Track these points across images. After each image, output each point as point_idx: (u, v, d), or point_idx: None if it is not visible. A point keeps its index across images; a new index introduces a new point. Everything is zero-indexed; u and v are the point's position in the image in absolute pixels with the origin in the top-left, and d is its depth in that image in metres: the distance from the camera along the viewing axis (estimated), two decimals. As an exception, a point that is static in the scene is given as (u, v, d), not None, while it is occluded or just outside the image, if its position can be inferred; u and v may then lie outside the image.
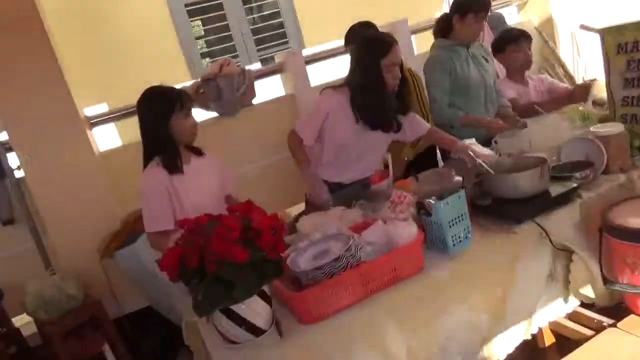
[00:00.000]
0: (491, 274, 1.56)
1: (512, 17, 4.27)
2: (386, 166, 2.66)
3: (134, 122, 3.18)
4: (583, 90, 2.57)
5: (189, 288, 1.30)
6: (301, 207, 2.91)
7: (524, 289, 1.60)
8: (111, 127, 3.42)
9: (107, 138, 3.36)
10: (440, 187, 1.74)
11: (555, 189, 1.70)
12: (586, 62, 4.04)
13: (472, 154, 1.90)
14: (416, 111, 2.59)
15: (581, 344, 1.64)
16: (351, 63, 2.13)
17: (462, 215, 1.57)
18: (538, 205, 1.65)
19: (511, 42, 2.76)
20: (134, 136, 2.85)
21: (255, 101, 3.31)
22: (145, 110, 1.92)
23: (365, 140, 2.17)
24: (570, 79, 3.83)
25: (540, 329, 1.68)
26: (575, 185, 1.70)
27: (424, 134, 2.27)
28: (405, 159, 2.59)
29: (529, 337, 1.63)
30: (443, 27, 2.64)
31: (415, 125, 2.26)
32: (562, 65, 3.87)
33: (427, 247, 1.57)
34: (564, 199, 1.69)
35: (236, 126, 3.16)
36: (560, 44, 4.08)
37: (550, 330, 1.79)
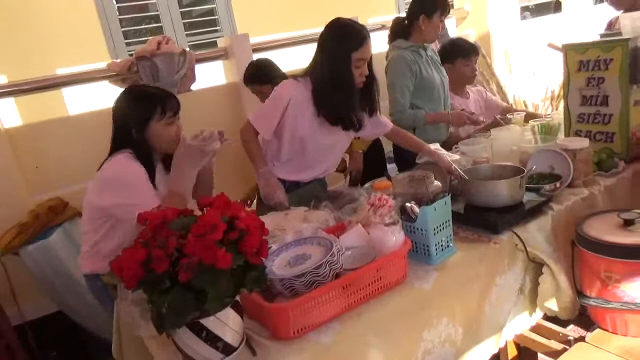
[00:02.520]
0: (470, 286, 1.50)
1: (451, 30, 4.38)
2: (344, 168, 2.56)
3: (41, 98, 2.78)
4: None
5: (150, 298, 1.06)
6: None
7: (498, 302, 1.57)
8: (10, 102, 2.94)
9: (5, 114, 2.87)
10: (415, 191, 1.65)
11: (528, 200, 1.68)
12: (517, 80, 4.26)
13: (444, 157, 1.84)
14: None
15: (545, 357, 1.64)
16: (317, 52, 1.95)
17: (446, 222, 1.48)
18: (515, 215, 1.61)
19: (463, 55, 2.77)
20: (42, 114, 2.46)
21: (194, 87, 3.03)
22: (121, 109, 1.71)
23: (325, 136, 2.01)
24: (503, 94, 3.99)
25: (505, 342, 1.65)
26: (548, 196, 1.69)
27: (387, 133, 2.17)
28: (360, 151, 2.49)
29: (497, 350, 1.59)
30: (401, 29, 2.59)
31: (378, 124, 2.15)
32: (497, 82, 4.03)
33: (409, 255, 1.46)
34: (537, 210, 1.67)
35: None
36: (494, 60, 4.26)
37: (514, 342, 1.77)
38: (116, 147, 1.69)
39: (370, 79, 1.97)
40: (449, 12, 2.49)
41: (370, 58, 1.93)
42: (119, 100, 1.71)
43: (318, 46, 1.95)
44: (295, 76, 2.01)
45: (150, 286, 1.03)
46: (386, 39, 2.72)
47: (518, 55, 4.26)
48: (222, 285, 1.06)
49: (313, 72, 1.95)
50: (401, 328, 1.34)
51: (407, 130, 2.26)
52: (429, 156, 1.94)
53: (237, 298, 1.16)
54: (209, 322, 1.10)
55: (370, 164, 2.69)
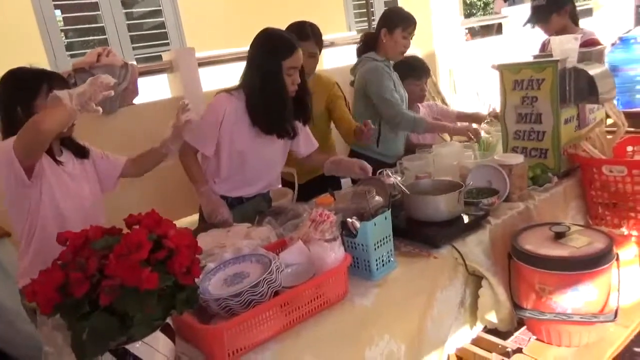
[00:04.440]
0: (412, 302, 1.50)
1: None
2: (291, 182, 2.52)
3: None
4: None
5: (68, 324, 0.99)
6: (189, 222, 2.62)
7: (439, 316, 1.58)
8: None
9: None
10: (357, 206, 1.64)
11: (467, 214, 1.71)
12: (461, 98, 4.41)
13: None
14: (347, 120, 2.52)
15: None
16: (248, 63, 1.96)
17: (387, 237, 1.48)
18: (454, 229, 1.64)
19: (414, 75, 2.83)
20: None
21: (136, 101, 2.93)
22: (4, 91, 1.59)
23: (263, 147, 2.01)
24: (448, 112, 4.11)
25: (447, 356, 1.66)
26: (486, 210, 1.74)
27: (315, 150, 2.19)
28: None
29: (439, 365, 1.60)
30: (368, 44, 2.62)
31: (308, 141, 2.17)
32: (442, 99, 4.15)
33: (350, 272, 1.44)
34: (476, 224, 1.70)
35: (113, 127, 2.74)
36: (439, 79, 4.39)
37: (456, 356, 1.79)
38: (6, 132, 1.57)
39: (303, 89, 1.98)
40: (413, 29, 2.52)
41: (302, 70, 1.95)
42: (2, 82, 1.61)
43: (248, 57, 1.95)
44: (228, 90, 1.99)
45: (68, 311, 0.96)
46: (334, 56, 2.75)
47: (462, 75, 4.42)
48: (150, 308, 1.01)
49: (245, 84, 1.95)
50: (342, 347, 1.32)
51: (399, 135, 2.35)
52: (334, 164, 2.02)
53: (169, 321, 1.11)
54: (135, 348, 1.03)
55: (324, 179, 2.66)
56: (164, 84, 3.19)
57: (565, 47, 2.06)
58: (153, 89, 3.20)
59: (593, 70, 2.03)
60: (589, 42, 2.50)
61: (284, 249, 1.46)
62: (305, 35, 2.34)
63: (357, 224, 1.46)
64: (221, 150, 1.98)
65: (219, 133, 1.93)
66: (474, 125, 2.73)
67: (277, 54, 1.86)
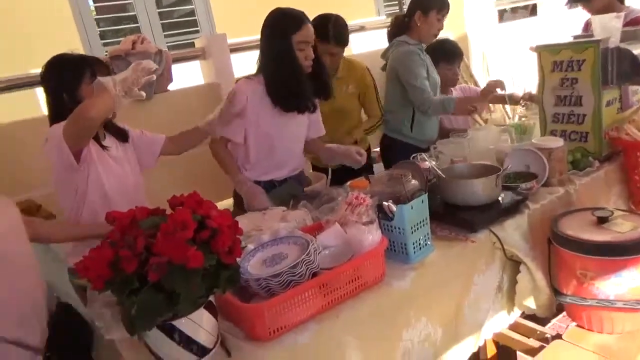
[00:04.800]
0: (449, 286, 1.50)
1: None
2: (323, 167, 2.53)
3: (11, 99, 2.71)
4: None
5: (119, 299, 1.03)
6: (225, 204, 2.66)
7: (476, 301, 1.57)
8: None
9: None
10: (393, 189, 1.64)
11: (504, 198, 1.68)
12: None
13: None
14: (374, 107, 2.52)
15: (524, 354, 1.65)
16: (261, 43, 1.97)
17: (423, 221, 1.47)
18: (492, 213, 1.61)
19: (446, 59, 2.78)
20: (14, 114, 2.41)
21: (170, 87, 2.98)
22: (50, 78, 1.64)
23: (287, 126, 2.03)
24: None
25: (484, 341, 1.65)
26: (524, 195, 1.70)
27: (320, 136, 2.21)
28: (355, 137, 2.49)
29: (476, 349, 1.59)
30: (401, 26, 2.59)
31: (318, 125, 2.20)
32: (475, 83, 4.06)
33: (386, 255, 1.45)
34: (514, 209, 1.68)
35: (149, 113, 2.79)
36: (472, 62, 4.29)
37: (493, 341, 1.78)
38: (54, 118, 1.62)
39: (319, 65, 1.99)
40: (447, 11, 2.48)
41: (316, 46, 1.96)
42: (47, 69, 1.65)
43: (260, 39, 1.97)
44: (247, 76, 2.02)
45: (118, 287, 0.99)
46: (365, 40, 2.73)
47: (495, 57, 4.31)
48: (194, 286, 1.04)
49: (261, 66, 1.98)
50: (380, 328, 1.33)
51: (432, 119, 2.36)
52: (330, 151, 2.06)
53: (211, 299, 1.14)
54: (181, 324, 1.07)
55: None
56: (196, 71, 3.22)
57: (608, 26, 1.99)
58: (186, 76, 3.24)
59: (637, 50, 1.95)
60: (635, 21, 2.40)
61: (321, 232, 1.47)
62: (324, 34, 2.33)
63: (394, 207, 1.46)
64: (248, 136, 2.01)
65: (245, 119, 1.96)
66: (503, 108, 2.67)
67: (286, 30, 1.87)
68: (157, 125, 2.79)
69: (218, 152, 2.03)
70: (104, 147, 1.65)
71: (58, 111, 1.58)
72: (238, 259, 1.26)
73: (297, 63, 1.89)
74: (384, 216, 1.47)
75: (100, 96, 1.37)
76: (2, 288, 1.20)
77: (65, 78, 1.60)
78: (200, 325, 1.10)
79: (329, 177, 2.36)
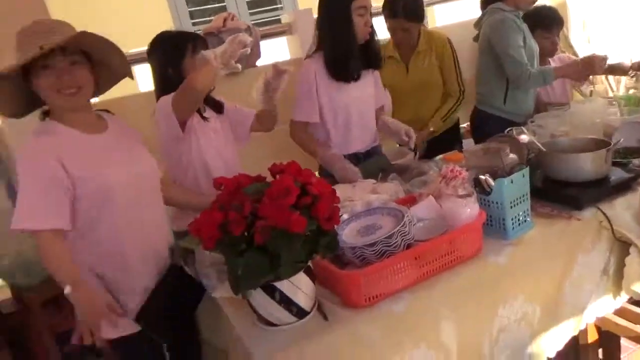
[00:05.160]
0: (550, 264, 1.42)
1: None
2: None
3: None
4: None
5: (226, 259, 1.09)
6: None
7: (579, 281, 1.48)
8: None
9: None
10: (490, 163, 1.58)
11: (614, 175, 1.56)
12: (595, 52, 3.96)
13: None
14: (452, 82, 2.44)
15: (628, 341, 1.54)
16: (319, 15, 1.96)
17: (523, 196, 1.41)
18: (600, 191, 1.51)
19: (544, 26, 2.59)
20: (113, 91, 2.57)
21: (258, 63, 3.05)
22: (155, 54, 1.75)
23: (355, 94, 2.04)
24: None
25: (586, 325, 1.56)
26: (637, 172, 1.57)
27: (385, 106, 2.22)
28: (431, 129, 2.42)
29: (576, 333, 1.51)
30: None
31: (381, 94, 2.19)
32: (573, 53, 3.77)
33: (482, 230, 1.40)
34: (625, 186, 1.55)
35: (238, 88, 2.86)
36: (571, 31, 3.97)
37: (595, 326, 1.68)
38: (160, 91, 1.71)
39: (372, 34, 1.97)
40: None
41: (370, 14, 1.92)
42: (152, 46, 1.75)
43: (319, 9, 1.96)
44: (308, 55, 2.05)
45: (227, 248, 1.05)
46: (450, 11, 2.60)
47: (596, 26, 3.95)
48: (296, 250, 1.07)
49: (319, 38, 1.97)
50: (475, 302, 1.30)
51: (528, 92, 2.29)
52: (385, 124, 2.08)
53: (310, 264, 1.17)
54: (282, 286, 1.12)
55: (442, 141, 2.58)
56: (283, 47, 3.27)
57: None
58: (272, 52, 3.30)
59: None
60: None
61: (414, 204, 1.45)
62: (394, 12, 2.28)
63: (492, 181, 1.41)
64: (324, 113, 2.02)
65: (316, 97, 1.98)
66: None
67: None
68: (245, 99, 2.89)
69: (299, 138, 2.06)
70: (204, 119, 1.74)
71: (164, 85, 1.68)
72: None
73: (353, 31, 1.88)
74: (480, 190, 1.42)
75: (204, 69, 1.43)
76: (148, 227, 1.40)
77: (170, 53, 1.70)
78: (299, 287, 1.14)
79: (418, 150, 2.31)
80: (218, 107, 1.86)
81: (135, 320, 1.35)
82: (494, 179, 1.40)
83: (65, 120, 1.33)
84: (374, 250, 1.22)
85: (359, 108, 2.07)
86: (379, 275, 1.20)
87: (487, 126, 2.37)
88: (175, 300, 1.41)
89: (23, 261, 2.03)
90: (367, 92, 2.08)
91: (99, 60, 1.37)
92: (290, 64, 2.08)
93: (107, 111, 1.52)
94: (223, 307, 1.31)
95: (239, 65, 1.50)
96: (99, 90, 1.45)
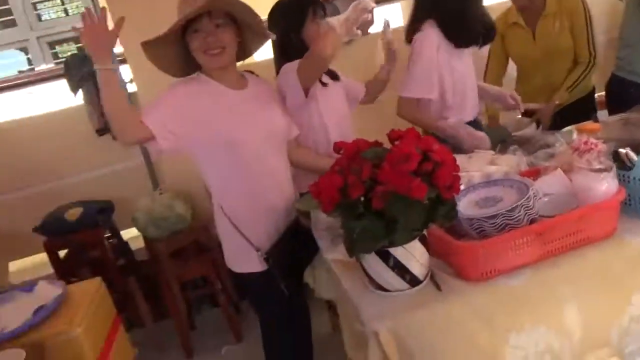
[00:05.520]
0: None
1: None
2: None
3: None
4: None
5: (344, 222, 1.12)
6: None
7: None
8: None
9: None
10: (631, 136, 1.42)
11: None
12: None
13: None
14: (582, 47, 2.20)
15: None
16: None
17: (673, 173, 1.25)
18: None
19: None
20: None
21: (371, 30, 3.00)
22: (276, 20, 1.77)
23: (468, 63, 1.95)
24: None
25: None
26: None
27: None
28: (557, 102, 2.22)
29: None
30: None
31: None
32: None
33: (620, 208, 1.27)
34: None
35: (352, 55, 2.85)
36: None
37: None
38: (282, 57, 1.74)
39: None
40: None
41: None
42: (274, 13, 1.78)
43: None
44: (419, 28, 1.91)
45: (345, 211, 1.08)
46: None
47: None
48: (413, 216, 1.07)
49: (434, 5, 1.86)
50: (604, 288, 1.20)
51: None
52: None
53: (425, 233, 1.16)
54: (397, 252, 1.12)
55: (574, 111, 2.36)
56: (397, 12, 3.18)
57: None
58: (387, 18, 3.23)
59: None
60: None
61: (538, 178, 1.36)
62: None
63: (634, 155, 1.27)
64: (445, 83, 1.91)
65: (437, 69, 1.88)
66: None
67: None
68: (359, 67, 2.86)
69: (410, 113, 1.95)
70: (324, 84, 1.77)
71: (286, 50, 1.72)
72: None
73: None
74: (619, 165, 1.29)
75: (330, 36, 1.45)
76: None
77: (292, 19, 1.73)
78: (413, 255, 1.13)
79: (543, 122, 2.14)
80: (333, 75, 1.88)
81: (264, 257, 1.48)
82: (637, 153, 1.26)
83: (213, 76, 1.49)
84: (494, 223, 1.17)
85: (471, 74, 1.99)
86: (498, 249, 1.15)
87: (629, 96, 2.12)
88: (296, 249, 1.54)
89: (154, 216, 2.26)
90: (470, 57, 1.99)
91: (242, 21, 1.48)
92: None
93: (251, 72, 1.64)
94: (335, 269, 1.34)
95: (360, 32, 1.50)
96: (246, 53, 1.57)
